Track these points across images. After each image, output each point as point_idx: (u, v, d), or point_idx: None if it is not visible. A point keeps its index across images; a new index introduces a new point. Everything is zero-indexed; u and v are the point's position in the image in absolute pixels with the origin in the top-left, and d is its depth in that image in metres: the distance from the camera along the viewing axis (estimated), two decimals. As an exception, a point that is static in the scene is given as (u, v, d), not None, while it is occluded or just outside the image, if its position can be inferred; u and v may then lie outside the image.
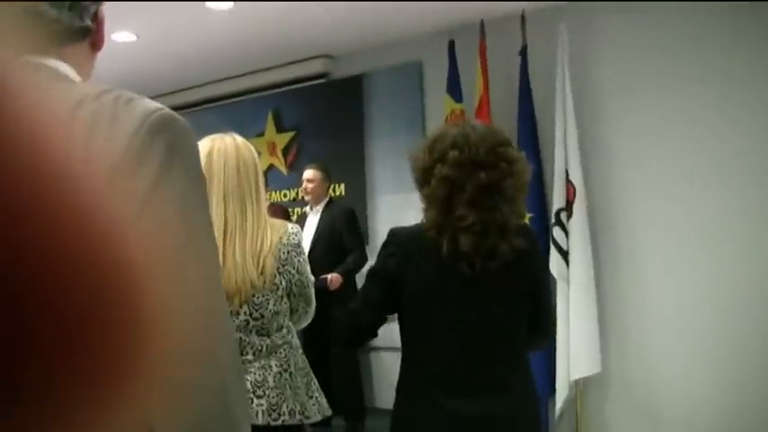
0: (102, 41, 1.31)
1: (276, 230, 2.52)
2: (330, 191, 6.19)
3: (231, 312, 2.44)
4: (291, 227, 2.60)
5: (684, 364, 4.98)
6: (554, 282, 5.07)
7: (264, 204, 2.56)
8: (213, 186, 2.45)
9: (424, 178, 2.32)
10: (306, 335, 5.43)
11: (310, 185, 5.95)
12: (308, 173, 5.98)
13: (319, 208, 5.98)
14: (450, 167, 2.25)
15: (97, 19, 1.28)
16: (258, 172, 2.56)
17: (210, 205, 2.39)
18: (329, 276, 5.54)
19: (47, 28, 1.17)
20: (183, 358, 0.43)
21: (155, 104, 1.15)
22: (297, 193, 6.96)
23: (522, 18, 5.43)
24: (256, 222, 2.49)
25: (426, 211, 2.32)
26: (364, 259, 5.77)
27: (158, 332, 0.38)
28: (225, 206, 2.46)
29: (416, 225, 2.36)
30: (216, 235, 2.38)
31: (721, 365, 4.81)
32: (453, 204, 2.24)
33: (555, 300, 5.09)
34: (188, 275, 1.01)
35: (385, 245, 2.38)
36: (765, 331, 4.66)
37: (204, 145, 2.48)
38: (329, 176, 6.05)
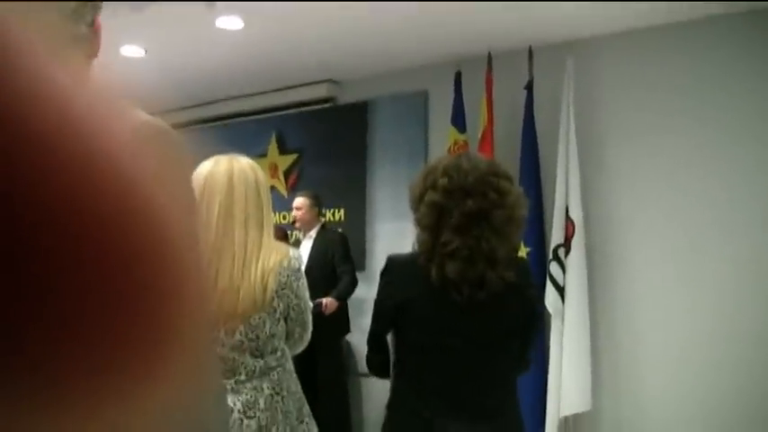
0: (98, 50, 1.29)
1: (279, 253, 2.52)
2: (321, 216, 6.15)
3: (226, 331, 2.43)
4: (293, 251, 2.62)
5: (677, 406, 4.95)
6: (548, 317, 5.06)
7: (271, 226, 2.58)
8: (235, 209, 2.46)
9: (417, 203, 2.35)
10: (295, 357, 5.45)
11: (299, 213, 5.97)
12: (297, 201, 6.02)
13: (312, 234, 5.98)
14: (439, 194, 2.29)
15: (93, 26, 1.26)
16: (266, 194, 2.58)
17: (232, 227, 2.41)
18: (324, 301, 5.54)
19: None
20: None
21: (145, 116, 1.14)
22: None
23: (530, 52, 5.44)
24: (267, 245, 2.51)
25: (418, 236, 2.36)
26: (355, 283, 5.85)
27: (194, 307, 0.36)
28: (246, 229, 2.47)
29: (412, 252, 2.40)
30: (237, 256, 2.40)
31: (715, 407, 4.78)
32: (441, 230, 2.26)
33: (549, 335, 5.09)
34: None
35: (383, 273, 2.45)
36: (761, 374, 4.63)
37: (221, 165, 2.49)
38: (318, 203, 6.03)
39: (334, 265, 5.85)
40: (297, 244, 6.06)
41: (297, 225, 6.07)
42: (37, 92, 0.31)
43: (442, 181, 2.30)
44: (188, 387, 0.37)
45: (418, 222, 2.36)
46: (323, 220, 6.17)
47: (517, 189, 2.38)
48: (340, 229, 6.23)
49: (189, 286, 0.35)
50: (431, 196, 2.30)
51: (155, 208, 0.34)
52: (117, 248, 0.32)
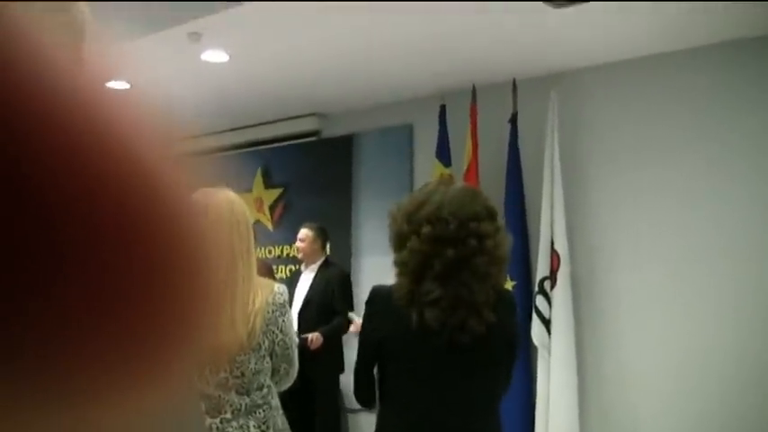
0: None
1: (263, 289, 2.50)
2: (324, 250, 6.04)
3: (211, 369, 2.40)
4: (278, 286, 2.59)
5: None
6: (535, 350, 5.04)
7: (254, 263, 2.54)
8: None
9: (399, 244, 2.34)
10: (291, 390, 5.46)
11: (301, 245, 5.92)
12: (301, 232, 5.94)
13: (314, 267, 5.92)
14: (422, 242, 2.26)
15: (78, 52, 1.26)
16: (250, 229, 2.55)
17: None
18: (310, 336, 5.48)
19: None
20: None
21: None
22: (282, 250, 6.93)
23: (514, 85, 5.47)
24: (247, 281, 2.47)
25: (398, 276, 2.33)
26: (348, 327, 5.71)
27: (205, 300, 0.35)
28: (225, 264, 2.43)
29: (394, 285, 2.37)
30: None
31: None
32: (423, 277, 2.25)
33: (535, 368, 5.07)
34: None
35: (367, 303, 2.44)
36: (746, 397, 4.62)
37: (201, 199, 2.45)
38: (321, 236, 5.94)
39: (333, 301, 5.76)
40: (297, 275, 6.04)
41: (300, 256, 6.02)
42: (42, 70, 0.30)
43: (426, 229, 2.28)
44: (178, 396, 0.36)
45: (399, 265, 2.34)
46: (327, 253, 6.07)
47: (499, 227, 2.35)
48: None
49: (201, 275, 0.34)
50: (414, 244, 2.28)
51: (163, 187, 0.33)
52: (127, 225, 0.31)
